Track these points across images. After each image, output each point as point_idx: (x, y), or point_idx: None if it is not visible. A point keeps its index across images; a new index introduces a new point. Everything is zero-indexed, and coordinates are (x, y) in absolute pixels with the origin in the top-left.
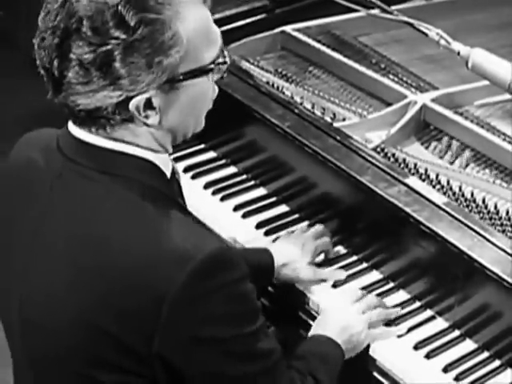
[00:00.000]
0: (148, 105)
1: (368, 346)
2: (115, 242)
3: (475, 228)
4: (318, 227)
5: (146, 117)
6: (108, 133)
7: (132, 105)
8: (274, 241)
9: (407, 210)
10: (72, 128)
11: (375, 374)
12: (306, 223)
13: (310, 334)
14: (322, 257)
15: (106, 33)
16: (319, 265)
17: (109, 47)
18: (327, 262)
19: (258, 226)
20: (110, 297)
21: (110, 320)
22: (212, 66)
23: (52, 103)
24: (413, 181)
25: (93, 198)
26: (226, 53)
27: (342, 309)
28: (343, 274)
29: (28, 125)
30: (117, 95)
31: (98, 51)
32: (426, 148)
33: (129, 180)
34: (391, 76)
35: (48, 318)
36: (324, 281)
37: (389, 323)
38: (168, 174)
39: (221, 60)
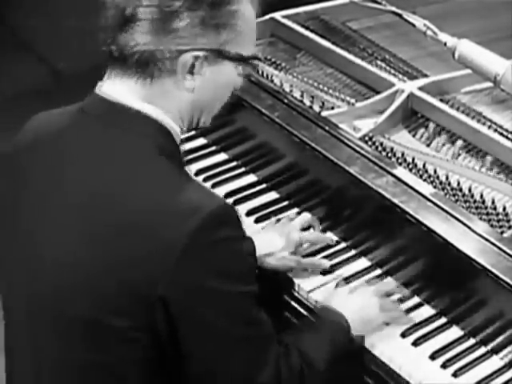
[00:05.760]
0: (191, 68)
1: None
2: (129, 192)
3: (461, 219)
4: (305, 216)
5: (186, 78)
6: (144, 87)
7: (183, 58)
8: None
9: (395, 200)
10: (103, 86)
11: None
12: (295, 210)
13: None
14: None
15: None
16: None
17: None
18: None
19: (248, 213)
20: (122, 242)
21: (120, 264)
22: (250, 60)
23: (36, 80)
24: (400, 171)
25: (111, 152)
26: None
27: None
28: (327, 264)
29: (14, 101)
30: (176, 43)
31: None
32: (414, 136)
33: (147, 138)
34: (379, 62)
35: (58, 265)
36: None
37: None
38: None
39: (256, 56)
